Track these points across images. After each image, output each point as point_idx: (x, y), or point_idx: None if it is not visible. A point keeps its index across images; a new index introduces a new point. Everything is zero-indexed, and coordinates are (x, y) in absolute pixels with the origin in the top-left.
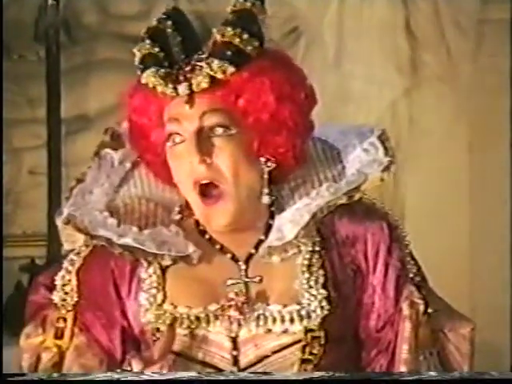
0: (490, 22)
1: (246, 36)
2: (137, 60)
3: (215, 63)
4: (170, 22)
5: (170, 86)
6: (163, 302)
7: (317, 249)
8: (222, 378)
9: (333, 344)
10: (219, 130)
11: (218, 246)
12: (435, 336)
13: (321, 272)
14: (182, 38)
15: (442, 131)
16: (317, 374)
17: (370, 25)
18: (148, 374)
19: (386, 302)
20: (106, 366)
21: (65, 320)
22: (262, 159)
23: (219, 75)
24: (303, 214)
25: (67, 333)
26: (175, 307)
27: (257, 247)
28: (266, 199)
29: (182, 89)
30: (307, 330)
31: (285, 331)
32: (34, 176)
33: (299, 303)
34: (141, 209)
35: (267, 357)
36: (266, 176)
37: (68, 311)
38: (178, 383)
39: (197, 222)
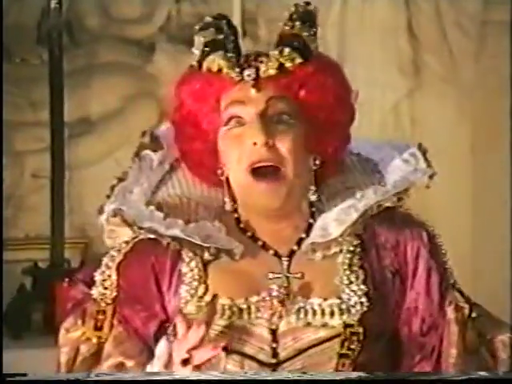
0: (491, 23)
1: (311, 33)
2: (199, 45)
3: (286, 51)
4: (225, 21)
5: (237, 69)
6: (204, 294)
7: (357, 250)
8: (229, 378)
9: (370, 341)
10: (283, 117)
11: (260, 243)
12: (480, 341)
13: (361, 271)
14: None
15: (445, 132)
16: (354, 374)
17: (372, 26)
18: (153, 373)
19: (431, 306)
20: (145, 356)
21: (104, 313)
22: (311, 156)
23: (288, 64)
24: (350, 212)
25: (106, 324)
26: (214, 298)
27: (299, 244)
28: (313, 197)
29: (249, 73)
30: (346, 325)
31: (324, 325)
32: (36, 179)
33: (339, 297)
34: (183, 206)
35: (306, 350)
36: (312, 173)
37: (107, 304)
38: (182, 383)
39: (237, 220)
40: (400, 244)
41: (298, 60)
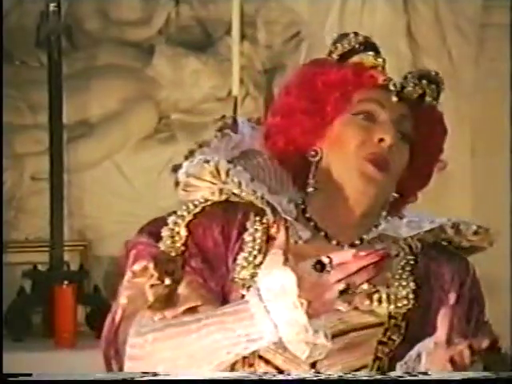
0: (491, 26)
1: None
2: (347, 41)
3: (432, 86)
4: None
5: (387, 75)
6: (261, 263)
7: (411, 262)
8: (233, 377)
9: (409, 340)
10: (404, 135)
11: (322, 233)
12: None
13: (411, 277)
14: None
15: None
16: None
17: (371, 30)
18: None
19: (465, 330)
20: (219, 303)
21: (174, 261)
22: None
23: (428, 97)
24: (423, 224)
25: (178, 271)
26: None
27: (361, 240)
28: (382, 222)
29: (396, 84)
30: (391, 316)
31: (370, 311)
32: (36, 182)
33: (389, 287)
34: (261, 180)
35: (348, 332)
36: (388, 202)
37: (177, 255)
38: (184, 383)
39: (303, 210)
40: (449, 269)
41: (435, 101)
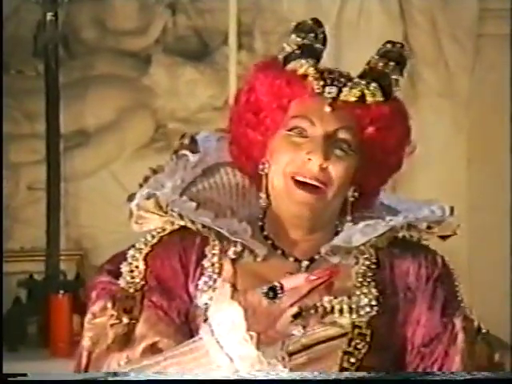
0: (487, 36)
1: (399, 77)
2: (292, 44)
3: (372, 85)
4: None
5: (321, 82)
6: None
7: (372, 266)
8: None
9: (377, 347)
10: (343, 145)
11: (279, 252)
12: (489, 358)
13: (373, 282)
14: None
15: (440, 146)
16: (358, 374)
17: (368, 39)
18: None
19: (435, 318)
20: (181, 334)
21: (133, 298)
22: (351, 188)
23: (369, 97)
24: (377, 228)
25: (136, 308)
26: (245, 294)
27: (319, 253)
28: (348, 225)
29: (331, 90)
30: (355, 326)
31: (333, 323)
32: (32, 191)
33: (350, 297)
34: (212, 204)
35: (312, 346)
36: (349, 205)
37: (136, 291)
38: (183, 383)
39: (261, 228)
40: (414, 265)
41: (379, 98)
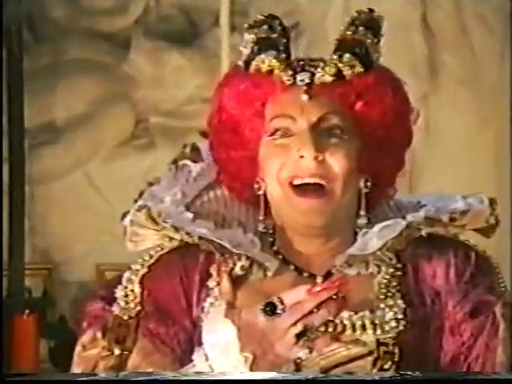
0: None
1: (374, 41)
2: (248, 43)
3: (346, 57)
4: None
5: (289, 72)
6: (235, 300)
7: (397, 273)
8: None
9: (407, 366)
10: (336, 131)
11: (292, 267)
12: None
13: (398, 293)
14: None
15: (464, 142)
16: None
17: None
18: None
19: (467, 323)
20: (179, 365)
21: (127, 326)
22: (362, 178)
23: (346, 71)
24: (396, 228)
25: (130, 338)
26: (240, 312)
27: (335, 266)
28: (362, 221)
29: (303, 77)
30: (380, 343)
31: (355, 341)
32: None
33: (372, 311)
34: (217, 217)
35: (333, 368)
36: (363, 198)
37: (130, 318)
38: (183, 383)
39: (272, 243)
40: (441, 266)
41: (358, 69)
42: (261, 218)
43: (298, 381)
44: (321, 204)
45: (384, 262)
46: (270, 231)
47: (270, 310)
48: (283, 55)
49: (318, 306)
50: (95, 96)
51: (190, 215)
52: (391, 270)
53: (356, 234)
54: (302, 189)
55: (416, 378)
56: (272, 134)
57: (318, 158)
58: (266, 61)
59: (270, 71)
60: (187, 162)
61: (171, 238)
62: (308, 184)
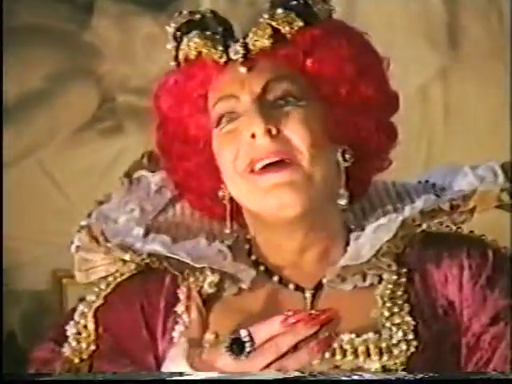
0: None
1: None
2: (171, 35)
3: (279, 12)
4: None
5: (220, 48)
6: (203, 332)
7: (402, 280)
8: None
9: None
10: (289, 99)
11: (275, 278)
12: None
13: (406, 304)
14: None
15: (488, 122)
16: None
17: None
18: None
19: (488, 333)
20: None
21: (78, 370)
22: (339, 149)
23: (284, 28)
24: (390, 227)
25: None
26: (217, 336)
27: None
28: (342, 202)
29: (236, 49)
30: (387, 371)
31: (357, 369)
32: None
33: (377, 332)
34: (177, 229)
35: None
36: (342, 173)
37: (82, 361)
38: (183, 383)
39: (248, 251)
40: (453, 268)
41: (298, 23)
42: (228, 230)
43: (298, 381)
44: (289, 175)
45: (384, 270)
46: (247, 237)
47: (238, 348)
48: (209, 32)
49: (297, 345)
50: (51, 70)
51: (140, 231)
52: (394, 278)
53: (349, 230)
54: (265, 174)
55: (418, 378)
56: (218, 124)
57: (271, 132)
58: (191, 43)
59: (200, 54)
60: (144, 172)
61: (125, 261)
62: (272, 166)
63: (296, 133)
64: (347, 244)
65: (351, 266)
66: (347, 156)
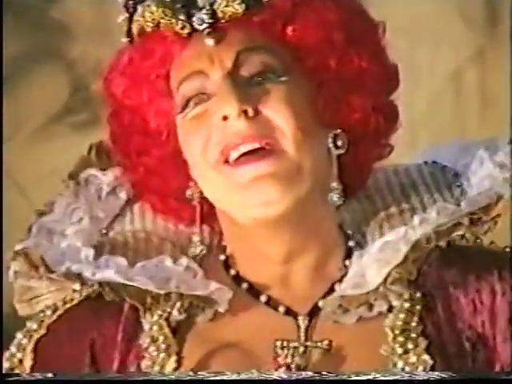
0: None
1: None
2: (122, 3)
3: None
4: None
5: (182, 17)
6: (177, 368)
7: (417, 308)
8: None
9: None
10: (268, 74)
11: (263, 298)
12: None
13: (421, 338)
14: None
15: None
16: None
17: None
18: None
19: None
20: None
21: None
22: (330, 131)
23: None
24: (399, 247)
25: None
26: (196, 373)
27: (325, 297)
28: (334, 197)
29: (201, 17)
30: None
31: None
32: None
33: (389, 372)
34: (136, 242)
35: None
36: (334, 162)
37: None
38: (183, 383)
39: (225, 263)
40: (481, 295)
41: None
42: (197, 237)
43: (298, 380)
44: (272, 165)
45: (395, 295)
46: (223, 244)
47: None
48: (165, 0)
49: None
50: (14, 53)
51: (89, 252)
52: (407, 306)
53: (347, 236)
54: (241, 161)
55: (419, 379)
56: (184, 108)
57: (247, 114)
58: (147, 13)
59: (157, 25)
60: (93, 171)
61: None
62: (248, 153)
63: (278, 112)
64: (346, 256)
65: (354, 296)
66: (339, 142)
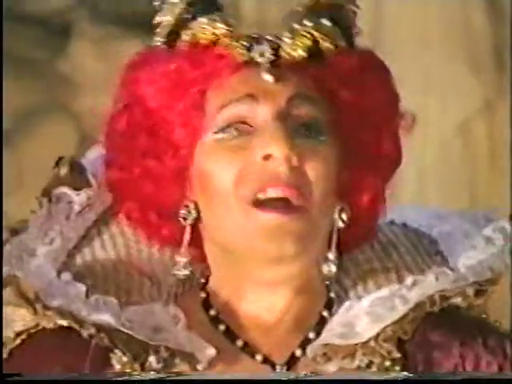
0: None
1: (352, 8)
2: (174, 8)
3: (324, 24)
4: None
5: (244, 43)
6: None
7: (396, 368)
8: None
9: None
10: (312, 126)
11: (239, 343)
12: None
13: None
14: None
15: None
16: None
17: None
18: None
19: None
20: None
21: None
22: (338, 207)
23: (325, 44)
24: (394, 305)
25: None
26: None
27: (304, 347)
28: (330, 267)
29: (263, 49)
30: None
31: None
32: None
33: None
34: (117, 275)
35: None
36: (335, 234)
37: None
38: (184, 383)
39: (205, 301)
40: (466, 358)
41: (340, 42)
42: (183, 260)
43: (299, 380)
44: (296, 223)
45: (378, 354)
46: (203, 281)
47: None
48: (231, 20)
49: None
50: (19, 106)
51: (82, 288)
52: (388, 364)
53: (327, 287)
54: (265, 204)
55: (417, 379)
56: (221, 131)
57: (291, 161)
58: (208, 26)
59: (213, 43)
60: (65, 189)
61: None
62: (275, 201)
63: (314, 171)
64: (326, 305)
65: (339, 345)
66: (343, 216)
